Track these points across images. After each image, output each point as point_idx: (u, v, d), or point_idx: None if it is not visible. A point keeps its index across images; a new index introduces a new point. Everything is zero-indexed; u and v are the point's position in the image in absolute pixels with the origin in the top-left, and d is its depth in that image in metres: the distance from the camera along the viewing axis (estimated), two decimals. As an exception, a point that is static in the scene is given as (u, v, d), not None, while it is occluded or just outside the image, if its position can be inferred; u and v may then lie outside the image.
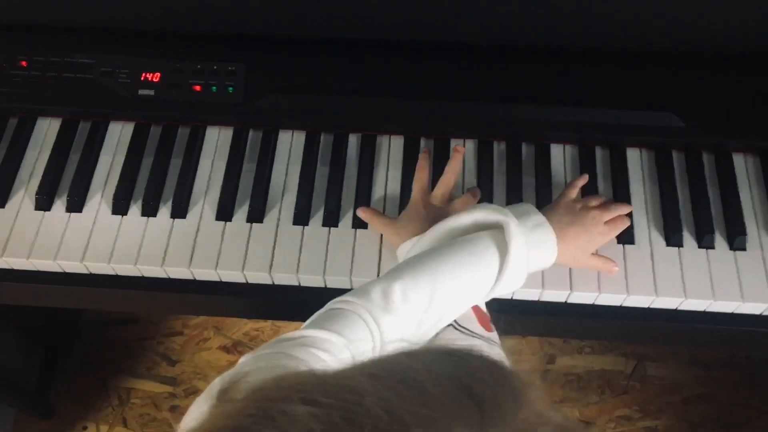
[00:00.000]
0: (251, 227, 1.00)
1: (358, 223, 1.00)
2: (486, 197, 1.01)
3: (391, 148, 1.06)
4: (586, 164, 1.04)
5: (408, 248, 0.89)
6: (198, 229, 1.00)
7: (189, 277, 0.99)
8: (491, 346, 0.86)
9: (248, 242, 0.99)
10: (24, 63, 1.07)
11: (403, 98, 1.04)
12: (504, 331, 0.90)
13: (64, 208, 1.01)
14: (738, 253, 0.97)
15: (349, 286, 0.98)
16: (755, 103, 1.02)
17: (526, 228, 0.85)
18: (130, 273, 0.99)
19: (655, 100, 1.03)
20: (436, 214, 0.92)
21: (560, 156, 1.05)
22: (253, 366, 0.64)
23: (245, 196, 1.02)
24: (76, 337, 1.82)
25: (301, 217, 1.00)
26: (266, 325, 1.85)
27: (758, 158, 1.04)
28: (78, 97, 1.06)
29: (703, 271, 0.96)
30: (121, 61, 1.06)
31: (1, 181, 1.03)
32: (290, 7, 1.04)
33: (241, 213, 1.01)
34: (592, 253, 0.95)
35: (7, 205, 1.02)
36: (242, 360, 0.68)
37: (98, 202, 1.02)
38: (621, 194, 1.01)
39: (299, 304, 0.99)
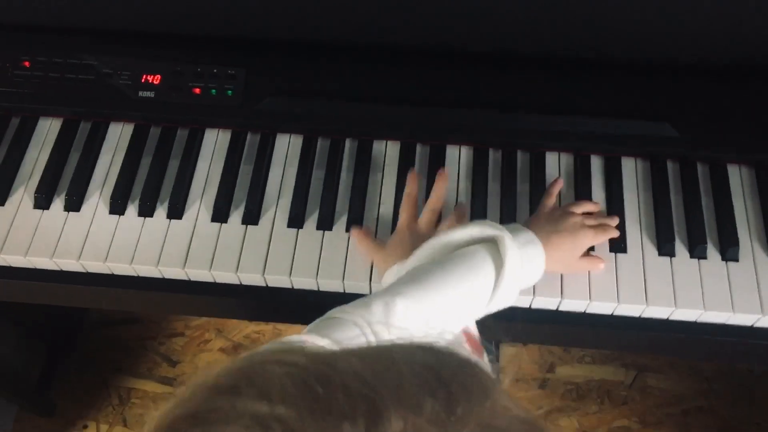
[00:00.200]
0: (246, 229, 1.01)
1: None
2: (480, 204, 1.02)
3: (387, 154, 1.07)
4: (580, 173, 1.04)
5: (394, 273, 0.89)
6: (193, 231, 1.01)
7: (184, 277, 1.00)
8: None
9: (243, 244, 1.00)
10: (27, 63, 1.08)
11: (400, 104, 1.05)
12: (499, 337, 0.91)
13: (62, 207, 1.03)
14: (730, 264, 0.97)
15: (341, 290, 0.98)
16: (751, 115, 1.02)
17: (519, 243, 0.85)
18: (126, 272, 1.00)
19: (650, 110, 1.03)
20: (422, 242, 0.92)
21: (555, 164, 1.05)
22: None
23: (241, 198, 1.03)
24: (78, 336, 1.83)
25: (296, 220, 1.01)
26: (268, 328, 1.86)
27: (753, 170, 1.04)
28: (79, 97, 1.07)
29: (694, 282, 0.96)
30: (122, 63, 1.08)
31: (1, 179, 1.04)
32: (290, 12, 1.05)
33: (236, 215, 1.02)
34: (581, 257, 0.95)
35: (6, 203, 1.03)
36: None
37: (96, 201, 1.03)
38: (615, 203, 1.01)
39: (295, 306, 1.00)
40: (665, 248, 0.98)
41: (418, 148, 1.07)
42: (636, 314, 0.96)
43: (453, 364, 0.40)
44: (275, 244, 0.99)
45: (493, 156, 1.06)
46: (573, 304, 0.96)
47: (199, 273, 0.98)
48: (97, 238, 1.00)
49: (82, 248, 1.00)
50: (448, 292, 0.80)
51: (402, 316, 0.75)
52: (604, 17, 1.00)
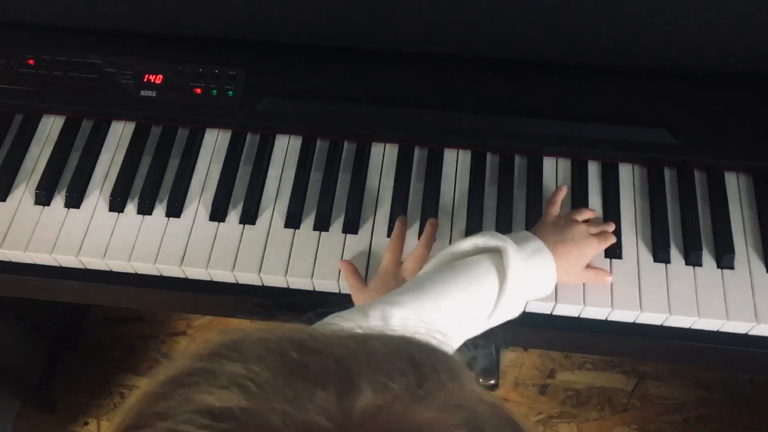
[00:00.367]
0: (243, 229, 1.01)
1: (348, 229, 1.01)
2: (477, 208, 1.02)
3: (385, 156, 1.07)
4: (578, 178, 1.04)
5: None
6: (191, 229, 1.02)
7: (181, 275, 1.01)
8: None
9: (240, 243, 1.00)
10: (32, 61, 1.10)
11: (399, 107, 1.06)
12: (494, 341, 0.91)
13: (62, 204, 1.04)
14: (725, 271, 0.97)
15: (337, 291, 0.99)
16: (749, 123, 1.03)
17: (525, 254, 0.85)
18: (124, 269, 1.01)
19: (649, 117, 1.04)
20: None
21: (552, 169, 1.06)
22: None
23: (239, 197, 1.03)
24: (81, 333, 1.85)
25: (293, 221, 1.01)
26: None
27: (750, 178, 1.04)
28: (82, 96, 1.08)
29: (689, 288, 0.96)
30: (125, 63, 1.09)
31: (3, 175, 1.05)
32: (290, 14, 1.05)
33: (234, 214, 1.03)
34: (586, 267, 0.95)
35: (8, 199, 1.05)
36: None
37: (96, 199, 1.04)
38: (611, 209, 1.01)
39: (294, 306, 1.01)
40: (660, 255, 0.98)
41: (416, 150, 1.07)
42: (630, 320, 0.96)
43: (425, 348, 0.41)
44: (272, 243, 1.00)
45: (491, 160, 1.07)
46: (567, 309, 0.96)
47: (196, 271, 0.99)
48: (96, 235, 1.01)
49: (81, 245, 1.01)
50: (448, 302, 0.80)
51: (400, 324, 0.75)
52: (604, 23, 1.00)
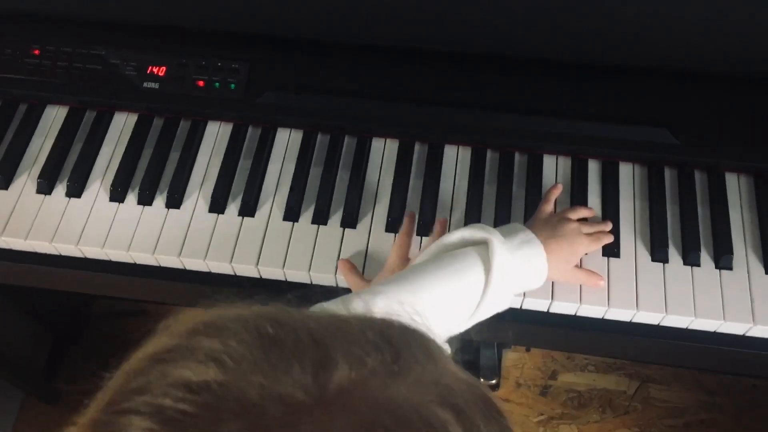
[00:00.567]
0: (242, 221, 1.02)
1: (347, 223, 1.01)
2: (476, 204, 1.02)
3: (385, 151, 1.07)
4: (577, 176, 1.04)
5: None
6: (191, 220, 1.02)
7: (179, 266, 1.01)
8: None
9: (238, 235, 1.01)
10: (36, 52, 1.10)
11: (400, 102, 1.06)
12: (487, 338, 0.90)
13: (63, 193, 1.05)
14: (723, 272, 0.97)
15: (334, 284, 0.99)
16: (751, 124, 1.02)
17: (513, 245, 0.85)
18: (123, 259, 1.02)
19: (650, 116, 1.03)
20: None
21: (552, 167, 1.05)
22: None
23: (239, 190, 1.04)
24: (85, 326, 1.86)
25: (292, 214, 1.02)
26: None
27: (752, 179, 1.03)
28: (86, 86, 1.09)
29: (686, 288, 0.96)
30: (129, 54, 1.10)
31: (6, 164, 1.06)
32: (294, 10, 1.06)
33: (233, 207, 1.03)
34: (578, 267, 0.95)
35: (10, 188, 1.05)
36: None
37: (97, 188, 1.05)
38: (610, 207, 1.01)
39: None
40: (658, 254, 0.97)
41: (417, 146, 1.07)
42: (627, 319, 0.96)
43: (400, 327, 0.42)
44: (270, 236, 1.01)
45: (491, 156, 1.07)
46: (564, 307, 0.96)
47: (194, 262, 1.00)
48: (96, 225, 1.02)
49: (81, 234, 1.01)
50: (433, 292, 0.80)
51: (383, 312, 0.75)
52: (606, 22, 1.00)
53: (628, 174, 1.04)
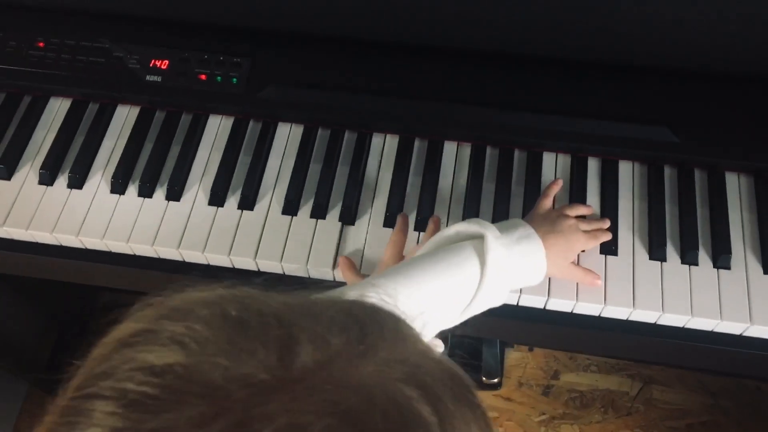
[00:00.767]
0: (241, 214, 1.02)
1: (345, 217, 1.01)
2: (475, 201, 1.02)
3: (385, 147, 1.08)
4: (576, 174, 1.04)
5: None
6: (190, 213, 1.03)
7: (178, 258, 1.02)
8: None
9: (237, 228, 1.01)
10: (41, 44, 1.11)
11: (401, 98, 1.06)
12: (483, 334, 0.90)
13: (65, 184, 1.05)
14: (721, 271, 0.96)
15: (331, 278, 0.99)
16: (752, 124, 1.02)
17: (511, 240, 0.85)
18: (123, 250, 1.02)
19: (650, 114, 1.03)
20: None
21: (552, 164, 1.05)
22: None
23: (239, 183, 1.04)
24: (91, 317, 1.87)
25: (291, 207, 1.02)
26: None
27: (752, 178, 1.03)
28: (89, 79, 1.10)
29: (683, 287, 0.95)
30: (132, 48, 1.10)
31: (9, 155, 1.07)
32: (296, 5, 1.06)
33: (233, 200, 1.03)
34: (575, 264, 0.95)
35: (12, 178, 1.06)
36: None
37: (98, 180, 1.06)
38: (609, 205, 1.01)
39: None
40: (656, 253, 0.97)
41: (417, 142, 1.08)
42: (623, 317, 0.96)
43: (368, 308, 0.42)
44: (269, 230, 1.01)
45: (491, 153, 1.07)
46: (559, 304, 0.96)
47: (192, 254, 1.00)
48: (97, 216, 1.03)
49: (82, 225, 1.02)
50: (427, 286, 0.80)
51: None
52: (607, 20, 1.00)
53: (627, 172, 1.04)
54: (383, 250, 0.97)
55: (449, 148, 1.07)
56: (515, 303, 0.97)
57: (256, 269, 1.01)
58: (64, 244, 1.03)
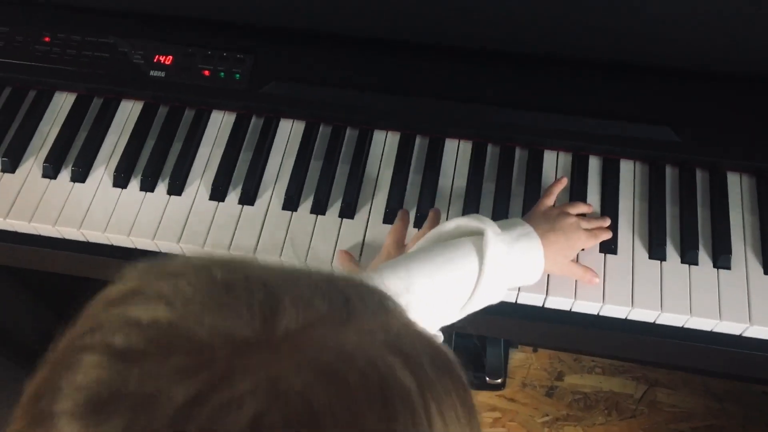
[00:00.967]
0: (242, 209, 1.03)
1: (345, 214, 1.02)
2: (475, 198, 1.02)
3: (386, 144, 1.08)
4: (578, 172, 1.04)
5: None
6: (191, 207, 1.03)
7: (179, 251, 1.02)
8: None
9: (237, 224, 1.02)
10: (47, 39, 1.12)
11: (402, 95, 1.06)
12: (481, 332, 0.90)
13: (68, 178, 1.06)
14: (721, 271, 0.96)
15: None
16: (754, 124, 1.01)
17: (510, 237, 0.85)
18: (123, 244, 1.03)
19: (652, 113, 1.03)
20: None
21: (552, 163, 1.05)
22: None
23: (240, 179, 1.05)
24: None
25: (291, 203, 1.02)
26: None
27: (754, 178, 1.02)
28: (94, 74, 1.11)
29: (683, 287, 0.95)
30: (136, 43, 1.11)
31: (13, 148, 1.08)
32: (300, 2, 1.07)
33: (234, 195, 1.04)
34: (575, 262, 0.95)
35: (17, 171, 1.07)
36: None
37: (101, 174, 1.06)
38: (609, 204, 1.01)
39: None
40: (656, 252, 0.97)
41: (418, 139, 1.08)
42: (622, 316, 0.95)
43: (354, 280, 0.43)
44: (269, 225, 1.01)
45: (492, 151, 1.07)
46: (558, 302, 0.96)
47: (192, 249, 1.01)
48: (99, 209, 1.03)
49: (84, 218, 1.03)
50: (425, 280, 0.80)
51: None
52: (610, 19, 1.00)
53: (628, 171, 1.04)
54: (382, 245, 0.98)
55: (450, 145, 1.07)
56: (514, 301, 0.97)
57: (255, 264, 1.01)
58: (66, 236, 1.04)
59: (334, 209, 1.02)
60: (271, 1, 1.08)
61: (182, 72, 1.10)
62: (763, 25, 0.96)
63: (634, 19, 0.99)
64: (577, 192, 1.02)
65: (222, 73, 1.09)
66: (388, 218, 1.01)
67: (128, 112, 1.12)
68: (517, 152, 1.06)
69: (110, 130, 1.10)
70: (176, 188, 1.04)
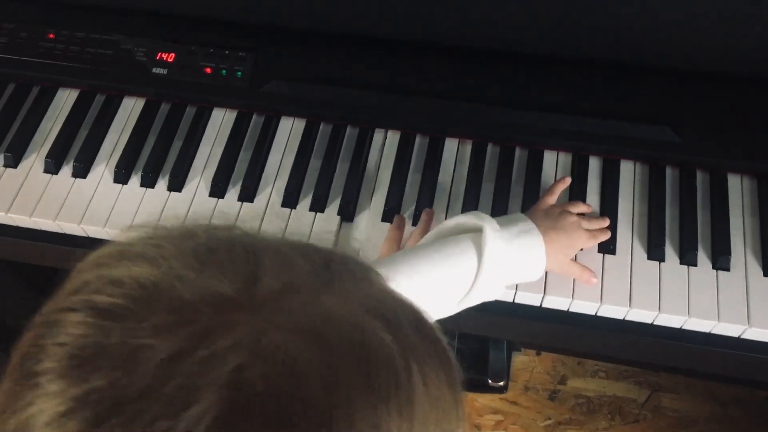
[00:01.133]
0: (241, 206, 1.03)
1: (344, 211, 1.02)
2: (474, 198, 1.02)
3: (386, 143, 1.08)
4: (577, 172, 1.03)
5: None
6: (191, 204, 1.04)
7: (178, 248, 1.03)
8: None
9: (236, 220, 1.02)
10: (51, 36, 1.13)
11: (403, 94, 1.06)
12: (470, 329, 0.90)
13: (70, 173, 1.07)
14: (720, 272, 0.95)
15: (328, 271, 1.00)
16: (754, 125, 1.01)
17: (511, 234, 0.85)
18: (123, 239, 1.03)
19: (652, 114, 1.03)
20: None
21: (552, 163, 1.05)
22: None
23: (240, 176, 1.05)
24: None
25: (290, 200, 1.03)
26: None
27: (755, 180, 1.02)
28: (97, 71, 1.11)
29: (681, 288, 0.94)
30: (139, 41, 1.12)
31: (16, 143, 1.09)
32: (302, 1, 1.07)
33: (233, 192, 1.04)
34: (574, 261, 0.95)
35: (19, 166, 1.08)
36: None
37: (102, 170, 1.07)
38: (609, 204, 1.01)
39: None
40: (655, 252, 0.96)
41: (418, 138, 1.08)
42: (619, 316, 0.95)
43: (338, 251, 0.43)
44: (267, 222, 1.02)
45: (492, 151, 1.07)
46: (556, 302, 0.96)
47: (191, 245, 1.01)
48: (100, 205, 1.04)
49: (84, 213, 1.03)
50: (424, 275, 0.81)
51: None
52: (610, 19, 1.00)
53: (628, 172, 1.04)
54: (380, 243, 0.98)
55: (450, 145, 1.07)
56: (511, 300, 0.97)
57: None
58: (66, 231, 1.04)
59: (333, 207, 1.03)
60: (272, 1, 1.09)
61: (184, 69, 1.10)
62: (763, 25, 0.95)
63: (635, 19, 0.99)
64: (576, 192, 1.02)
65: (224, 71, 1.10)
66: (387, 217, 1.01)
67: (130, 108, 1.13)
68: (517, 152, 1.06)
69: (112, 126, 1.11)
70: (176, 184, 1.05)
